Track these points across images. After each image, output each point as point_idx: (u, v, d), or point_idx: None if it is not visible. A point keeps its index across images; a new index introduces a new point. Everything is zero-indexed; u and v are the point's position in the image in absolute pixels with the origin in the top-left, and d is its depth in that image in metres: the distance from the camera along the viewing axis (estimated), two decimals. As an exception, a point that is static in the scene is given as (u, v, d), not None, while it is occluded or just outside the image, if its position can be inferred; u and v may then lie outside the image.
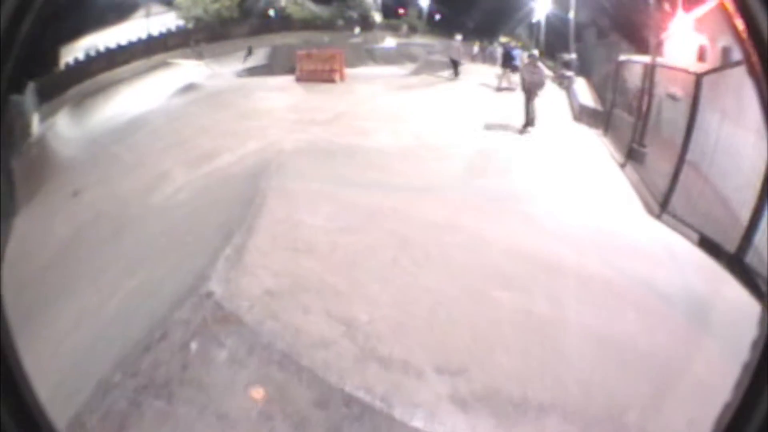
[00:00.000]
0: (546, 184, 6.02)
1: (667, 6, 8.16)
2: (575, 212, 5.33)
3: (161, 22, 13.33)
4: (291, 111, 8.83)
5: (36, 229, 7.72)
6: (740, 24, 1.43)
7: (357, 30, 13.94)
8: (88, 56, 12.89)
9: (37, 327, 4.79)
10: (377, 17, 14.53)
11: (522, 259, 4.06)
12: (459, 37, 12.32)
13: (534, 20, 13.16)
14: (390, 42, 13.81)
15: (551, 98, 9.32)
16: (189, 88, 10.80)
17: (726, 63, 5.83)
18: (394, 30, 14.60)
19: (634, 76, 8.53)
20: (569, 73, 11.38)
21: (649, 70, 7.75)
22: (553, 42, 12.65)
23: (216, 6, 13.43)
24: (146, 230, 5.95)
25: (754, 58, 1.43)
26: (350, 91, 9.99)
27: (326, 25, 14.19)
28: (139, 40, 12.97)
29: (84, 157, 8.65)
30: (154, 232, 5.79)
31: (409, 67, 12.41)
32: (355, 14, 14.33)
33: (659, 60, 8.07)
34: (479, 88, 10.86)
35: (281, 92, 9.99)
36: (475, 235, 4.49)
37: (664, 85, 7.38)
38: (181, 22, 13.48)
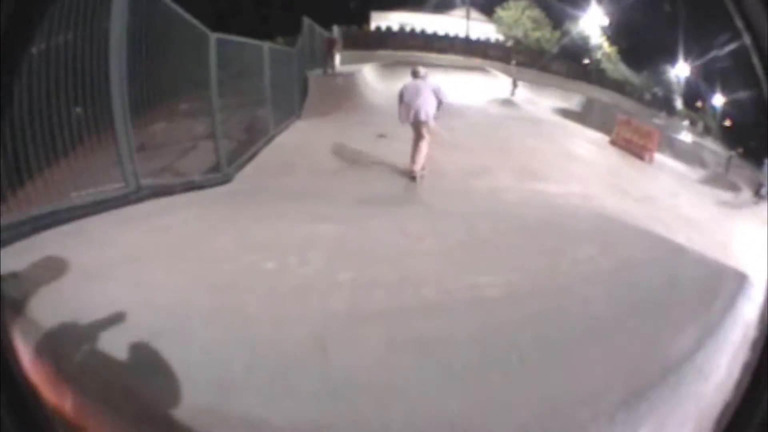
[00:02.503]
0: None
1: None
2: None
3: (480, 29, 14.21)
4: (608, 172, 9.17)
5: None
6: (740, 24, 1.43)
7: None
8: (402, 29, 14.40)
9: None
10: (679, 103, 14.31)
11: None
12: None
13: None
14: (687, 136, 13.49)
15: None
16: (507, 103, 11.56)
17: None
18: (691, 123, 14.26)
19: None
20: None
21: None
22: None
23: (537, 34, 14.16)
24: (464, 216, 6.35)
25: (755, 58, 1.44)
26: (657, 177, 9.93)
27: (634, 93, 14.26)
28: (458, 37, 13.98)
29: (393, 112, 9.26)
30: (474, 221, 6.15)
31: (698, 171, 11.90)
32: (660, 92, 14.25)
33: None
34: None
35: (596, 148, 10.33)
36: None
37: None
38: (500, 37, 14.30)
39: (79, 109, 5.15)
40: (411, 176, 7.52)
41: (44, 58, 4.61)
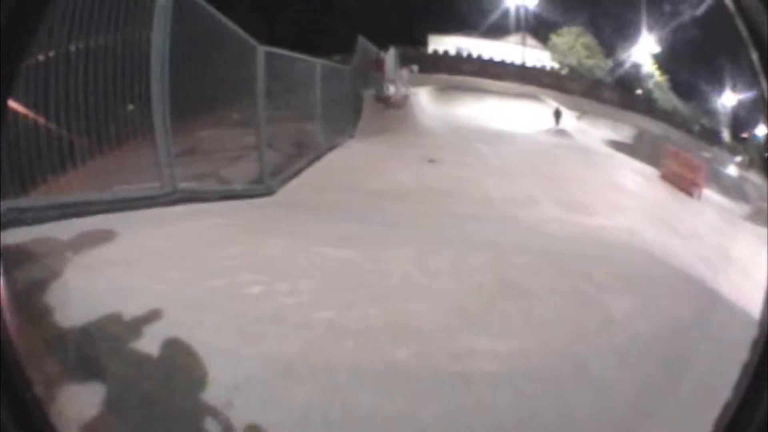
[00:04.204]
0: None
1: None
2: None
3: (535, 56, 14.08)
4: (655, 207, 9.10)
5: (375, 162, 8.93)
6: (740, 24, 1.45)
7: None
8: (459, 54, 14.40)
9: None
10: (726, 135, 13.78)
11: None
12: None
13: None
14: (732, 170, 13.01)
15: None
16: (559, 132, 11.49)
17: None
18: (735, 154, 13.71)
19: None
20: None
21: None
22: None
23: (590, 62, 13.88)
24: (514, 241, 6.31)
25: (755, 58, 1.47)
26: (704, 213, 9.66)
27: (683, 125, 13.85)
28: (513, 64, 13.87)
29: (444, 137, 9.28)
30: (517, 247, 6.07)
31: (742, 206, 11.43)
32: (708, 123, 13.78)
33: None
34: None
35: (645, 181, 10.37)
36: None
37: None
38: (555, 64, 14.11)
39: (131, 107, 5.42)
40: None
41: (89, 55, 4.85)
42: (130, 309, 3.54)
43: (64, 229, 4.08)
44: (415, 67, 9.73)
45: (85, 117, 4.80)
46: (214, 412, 3.04)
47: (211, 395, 3.09)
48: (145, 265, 4.17)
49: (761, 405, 1.38)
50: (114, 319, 3.39)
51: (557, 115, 12.50)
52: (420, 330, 3.93)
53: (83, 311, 3.33)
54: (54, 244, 3.81)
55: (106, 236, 4.24)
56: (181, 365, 3.32)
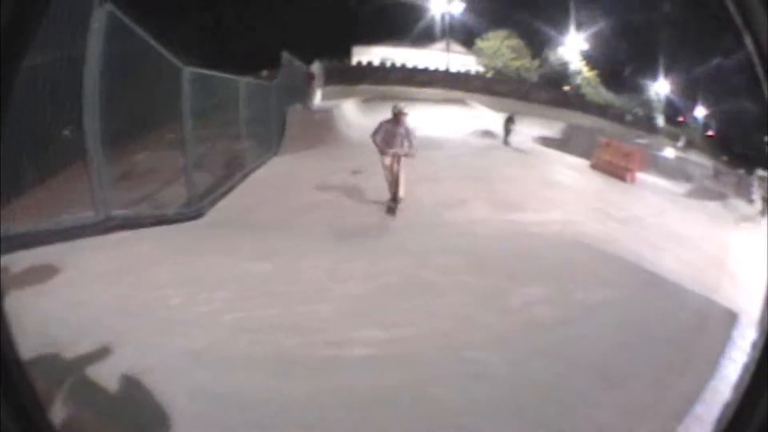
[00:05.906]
0: None
1: None
2: None
3: (461, 61, 14.14)
4: (589, 197, 8.94)
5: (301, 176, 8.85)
6: (740, 24, 1.44)
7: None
8: (383, 64, 14.41)
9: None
10: (660, 121, 14.15)
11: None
12: None
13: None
14: (670, 152, 13.29)
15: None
16: (486, 134, 11.55)
17: None
18: (673, 138, 14.07)
19: None
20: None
21: None
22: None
23: (516, 64, 14.06)
24: (436, 243, 6.24)
25: (755, 58, 1.43)
26: (641, 197, 9.63)
27: (616, 116, 14.13)
28: (438, 71, 13.90)
29: (371, 148, 9.03)
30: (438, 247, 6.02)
31: (684, 186, 11.59)
32: (641, 112, 14.10)
33: None
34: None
35: (578, 173, 10.32)
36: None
37: None
38: (480, 68, 14.19)
39: (67, 132, 5.35)
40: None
41: (24, 80, 4.49)
42: (81, 318, 3.94)
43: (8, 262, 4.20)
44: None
45: (21, 145, 4.65)
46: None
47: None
48: (89, 285, 4.46)
49: (761, 405, 1.37)
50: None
51: (509, 124, 11.87)
52: (310, 326, 4.30)
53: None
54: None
55: (49, 266, 4.49)
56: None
